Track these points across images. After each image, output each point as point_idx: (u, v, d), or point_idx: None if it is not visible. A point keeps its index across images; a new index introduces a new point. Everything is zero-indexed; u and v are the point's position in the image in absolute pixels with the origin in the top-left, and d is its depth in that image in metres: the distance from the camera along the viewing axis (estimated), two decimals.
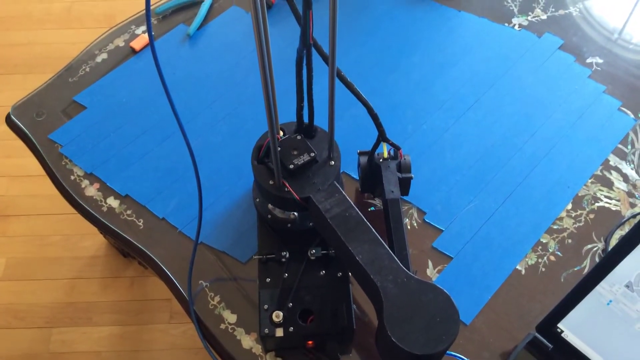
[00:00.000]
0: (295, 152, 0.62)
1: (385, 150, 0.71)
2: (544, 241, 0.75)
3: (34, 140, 0.87)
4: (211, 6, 1.01)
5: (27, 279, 1.34)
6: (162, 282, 0.75)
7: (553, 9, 0.99)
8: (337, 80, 0.56)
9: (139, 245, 0.76)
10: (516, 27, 0.97)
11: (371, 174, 0.73)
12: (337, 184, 0.62)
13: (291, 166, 0.62)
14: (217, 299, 0.72)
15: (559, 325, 0.62)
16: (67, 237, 1.39)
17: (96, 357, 1.25)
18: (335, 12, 0.47)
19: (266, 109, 0.54)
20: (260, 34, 0.47)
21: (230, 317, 0.71)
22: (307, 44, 0.53)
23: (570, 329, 0.61)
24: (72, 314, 1.30)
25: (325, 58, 0.58)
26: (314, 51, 0.56)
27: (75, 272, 1.35)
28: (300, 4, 0.49)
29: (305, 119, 0.65)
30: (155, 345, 1.26)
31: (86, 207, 0.80)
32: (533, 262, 0.74)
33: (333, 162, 0.64)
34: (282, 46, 0.91)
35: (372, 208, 0.78)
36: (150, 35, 0.48)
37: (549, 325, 0.63)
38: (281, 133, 0.66)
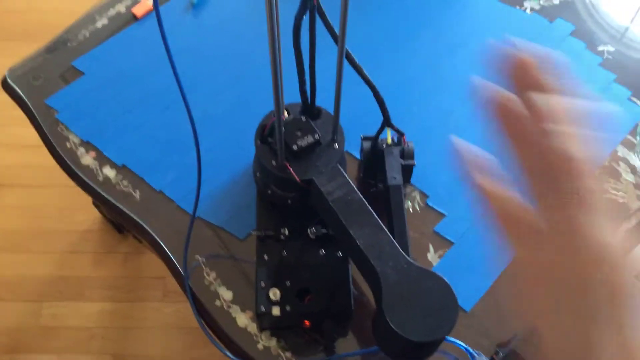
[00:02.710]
0: (299, 134, 0.62)
1: (389, 136, 0.70)
2: None
3: (29, 105, 0.84)
4: None
5: (19, 251, 1.33)
6: (156, 260, 0.73)
7: None
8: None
9: (135, 217, 0.74)
10: (527, 10, 0.95)
11: (374, 160, 0.72)
12: (340, 167, 0.61)
13: (295, 147, 0.61)
14: (213, 275, 0.70)
15: None
16: (61, 210, 1.38)
17: (87, 333, 1.23)
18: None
19: (274, 90, 0.52)
20: (272, 7, 0.45)
21: (226, 294, 0.69)
22: (310, 4, 0.51)
23: None
24: (63, 288, 1.28)
25: (334, 37, 0.56)
26: (318, 21, 0.54)
27: (68, 246, 1.33)
28: None
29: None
30: (147, 322, 1.25)
31: (81, 175, 0.78)
32: None
33: (337, 145, 0.63)
34: (290, 17, 0.89)
35: (375, 188, 0.76)
36: (155, 1, 0.46)
37: None
38: (286, 113, 0.65)
